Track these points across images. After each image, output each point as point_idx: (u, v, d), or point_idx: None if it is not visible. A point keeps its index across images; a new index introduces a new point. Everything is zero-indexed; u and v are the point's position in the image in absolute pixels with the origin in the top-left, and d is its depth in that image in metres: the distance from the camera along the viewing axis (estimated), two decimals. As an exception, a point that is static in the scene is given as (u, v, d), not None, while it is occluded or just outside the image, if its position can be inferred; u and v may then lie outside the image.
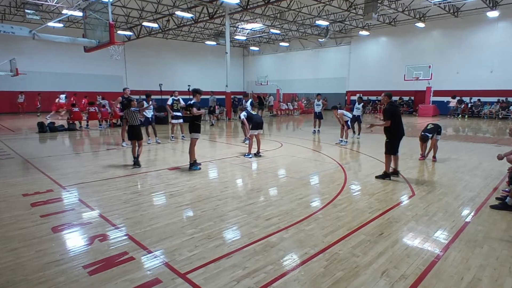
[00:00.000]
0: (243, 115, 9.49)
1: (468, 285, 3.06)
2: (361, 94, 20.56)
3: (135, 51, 29.64)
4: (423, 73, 23.00)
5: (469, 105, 23.07)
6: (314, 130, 14.40)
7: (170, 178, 6.88)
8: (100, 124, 16.38)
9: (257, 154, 9.14)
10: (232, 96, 22.62)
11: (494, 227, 4.40)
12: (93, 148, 10.96)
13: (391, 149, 6.66)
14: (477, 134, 15.11)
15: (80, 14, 15.11)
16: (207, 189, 6.12)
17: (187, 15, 21.78)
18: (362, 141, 12.03)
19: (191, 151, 7.55)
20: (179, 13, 21.38)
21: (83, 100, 16.61)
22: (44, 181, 6.57)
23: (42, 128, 14.01)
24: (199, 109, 7.48)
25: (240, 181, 6.91)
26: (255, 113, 10.09)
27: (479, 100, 22.77)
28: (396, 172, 6.86)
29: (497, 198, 5.45)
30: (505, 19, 20.96)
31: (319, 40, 29.99)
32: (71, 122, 15.32)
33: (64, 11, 18.15)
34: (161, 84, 24.74)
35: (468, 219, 4.67)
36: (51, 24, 16.19)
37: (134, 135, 7.82)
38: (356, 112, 12.30)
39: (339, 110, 11.23)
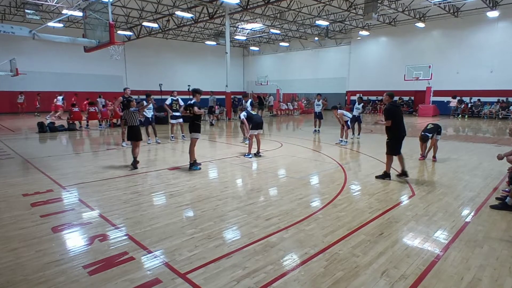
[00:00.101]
0: (243, 115, 9.49)
1: (468, 285, 3.06)
2: (361, 94, 20.57)
3: (135, 51, 29.65)
4: (423, 73, 23.02)
5: (469, 105, 23.07)
6: (315, 130, 14.41)
7: (170, 178, 6.88)
8: (100, 124, 16.39)
9: (257, 154, 9.15)
10: (232, 96, 22.62)
11: (494, 227, 4.40)
12: (93, 148, 10.96)
13: (392, 149, 6.64)
14: (477, 134, 15.11)
15: (80, 14, 15.11)
16: (207, 189, 6.12)
17: (187, 15, 21.79)
18: (362, 141, 12.03)
19: (191, 151, 7.55)
20: (179, 13, 21.38)
21: (85, 102, 16.58)
22: (44, 181, 6.57)
23: (42, 128, 14.02)
24: (199, 109, 7.49)
25: (240, 181, 6.90)
26: (255, 113, 10.10)
27: (479, 100, 22.77)
28: (404, 173, 6.72)
29: (497, 198, 5.45)
30: (505, 19, 20.96)
31: (315, 39, 29.97)
32: (71, 122, 15.32)
33: (64, 11, 18.16)
34: (161, 84, 24.76)
35: (468, 219, 4.67)
36: (51, 24, 16.19)
37: (133, 136, 7.76)
38: (356, 112, 12.31)
39: (339, 110, 11.23)
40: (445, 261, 3.49)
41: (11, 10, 20.96)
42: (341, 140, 11.38)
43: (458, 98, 22.87)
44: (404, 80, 23.95)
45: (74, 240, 4.01)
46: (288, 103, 26.84)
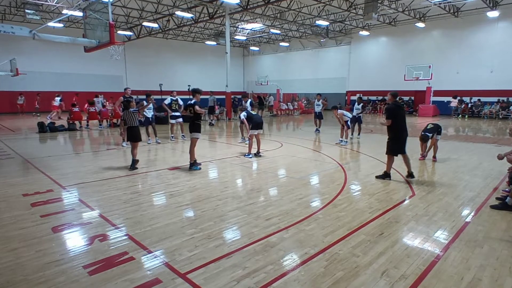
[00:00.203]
0: (243, 115, 9.49)
1: (468, 285, 3.06)
2: (361, 94, 20.58)
3: (135, 51, 29.64)
4: (423, 73, 22.99)
5: (469, 105, 23.07)
6: (317, 129, 14.41)
7: (170, 178, 6.88)
8: (100, 124, 16.39)
9: (257, 154, 9.15)
10: (232, 96, 22.62)
11: (494, 227, 4.40)
12: (93, 148, 10.96)
13: (391, 149, 6.61)
14: (477, 134, 15.10)
15: (80, 14, 15.12)
16: (207, 189, 6.11)
17: (187, 15, 21.78)
18: (362, 141, 12.03)
19: (192, 151, 7.55)
20: (179, 13, 21.38)
21: (86, 106, 16.52)
22: (44, 181, 6.57)
23: (42, 128, 14.02)
24: (200, 108, 7.50)
25: (240, 181, 6.90)
26: (255, 113, 10.10)
27: (479, 100, 22.77)
28: (410, 174, 6.68)
29: (497, 198, 5.45)
30: (505, 19, 20.96)
31: (322, 40, 29.98)
32: (71, 122, 15.32)
33: (64, 11, 18.16)
34: (161, 84, 24.74)
35: (468, 219, 4.67)
36: (51, 24, 16.18)
37: (132, 137, 7.72)
38: (355, 112, 12.31)
39: (339, 110, 11.23)
40: (445, 261, 3.49)
41: (11, 10, 20.96)
42: (341, 140, 11.38)
43: (458, 98, 22.87)
44: (404, 80, 23.93)
45: (74, 240, 4.01)
46: (288, 103, 26.83)
